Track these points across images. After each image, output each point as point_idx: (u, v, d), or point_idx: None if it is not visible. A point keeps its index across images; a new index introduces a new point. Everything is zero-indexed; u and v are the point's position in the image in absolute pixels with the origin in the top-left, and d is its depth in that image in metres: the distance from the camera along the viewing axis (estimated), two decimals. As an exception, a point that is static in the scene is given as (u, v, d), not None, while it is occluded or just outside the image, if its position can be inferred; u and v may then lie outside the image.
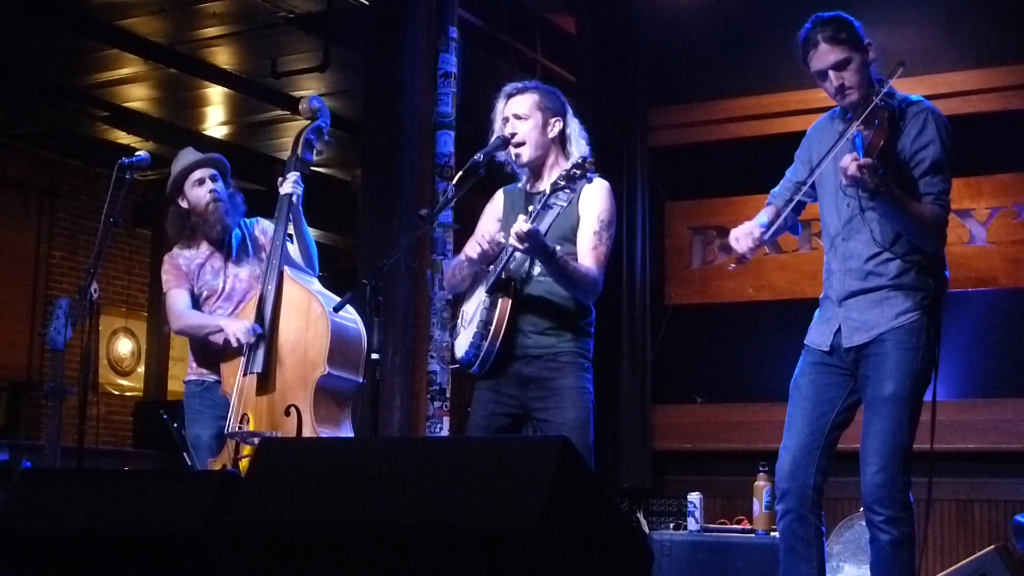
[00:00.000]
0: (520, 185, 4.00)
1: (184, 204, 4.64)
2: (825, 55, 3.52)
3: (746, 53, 7.15)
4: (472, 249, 3.79)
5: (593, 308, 3.87)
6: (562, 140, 3.92)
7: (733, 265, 3.63)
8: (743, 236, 3.59)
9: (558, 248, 3.69)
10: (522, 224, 3.56)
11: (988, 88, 6.66)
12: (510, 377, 3.78)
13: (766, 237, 3.61)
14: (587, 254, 3.77)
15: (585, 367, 3.79)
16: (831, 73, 3.52)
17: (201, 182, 4.61)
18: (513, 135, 3.86)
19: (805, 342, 3.68)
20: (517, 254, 3.70)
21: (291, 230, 4.57)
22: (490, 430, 3.81)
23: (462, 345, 3.83)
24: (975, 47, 6.71)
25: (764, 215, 3.77)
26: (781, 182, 3.86)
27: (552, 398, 3.74)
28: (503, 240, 3.74)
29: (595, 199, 3.81)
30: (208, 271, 4.64)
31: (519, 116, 3.87)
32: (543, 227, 3.73)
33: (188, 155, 4.69)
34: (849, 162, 3.32)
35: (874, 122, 3.43)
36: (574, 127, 3.95)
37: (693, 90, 7.39)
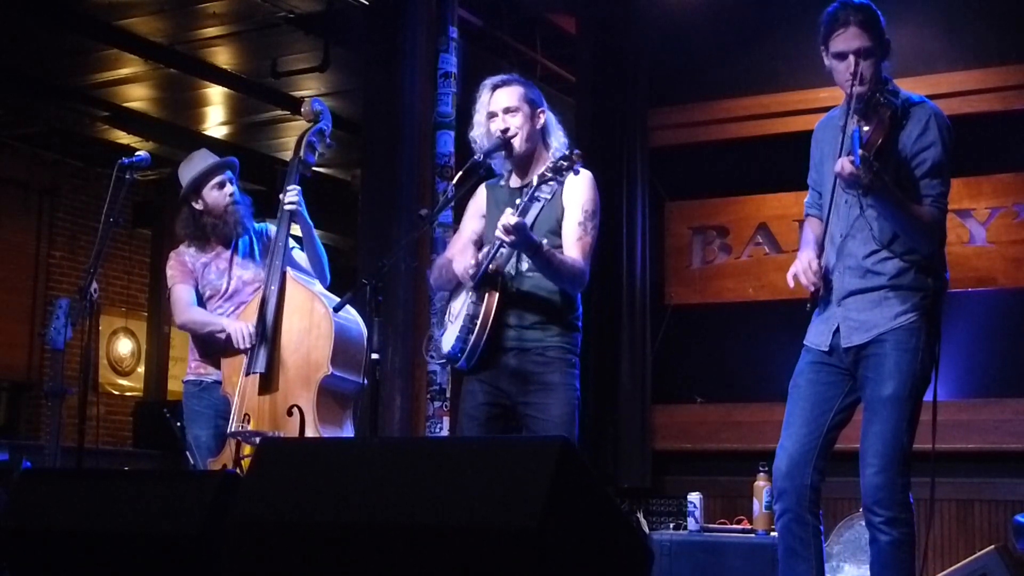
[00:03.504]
0: (503, 181, 4.00)
1: (199, 206, 4.65)
2: (853, 38, 3.49)
3: (746, 53, 7.15)
4: (461, 268, 3.80)
5: (580, 303, 3.88)
6: (543, 132, 3.94)
7: (809, 305, 3.53)
8: (802, 272, 3.51)
9: (544, 241, 3.70)
10: (509, 217, 3.57)
11: (988, 88, 6.65)
12: (498, 369, 3.79)
13: (822, 263, 3.53)
14: (572, 245, 3.77)
15: (572, 363, 3.80)
16: (852, 57, 3.49)
17: (221, 185, 4.63)
18: (506, 130, 3.86)
19: (804, 342, 3.67)
20: (503, 250, 3.70)
21: (299, 233, 4.58)
22: (480, 420, 3.82)
23: (448, 340, 3.83)
24: (975, 47, 6.70)
25: (810, 230, 3.73)
26: (809, 192, 3.83)
27: (538, 393, 3.75)
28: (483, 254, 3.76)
29: (579, 190, 3.81)
30: (213, 271, 4.65)
31: (509, 109, 3.88)
32: (528, 220, 3.73)
33: (205, 157, 4.70)
34: (842, 162, 3.31)
35: (874, 118, 3.42)
36: (552, 118, 3.98)
37: (693, 90, 7.38)
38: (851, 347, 3.52)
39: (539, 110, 3.91)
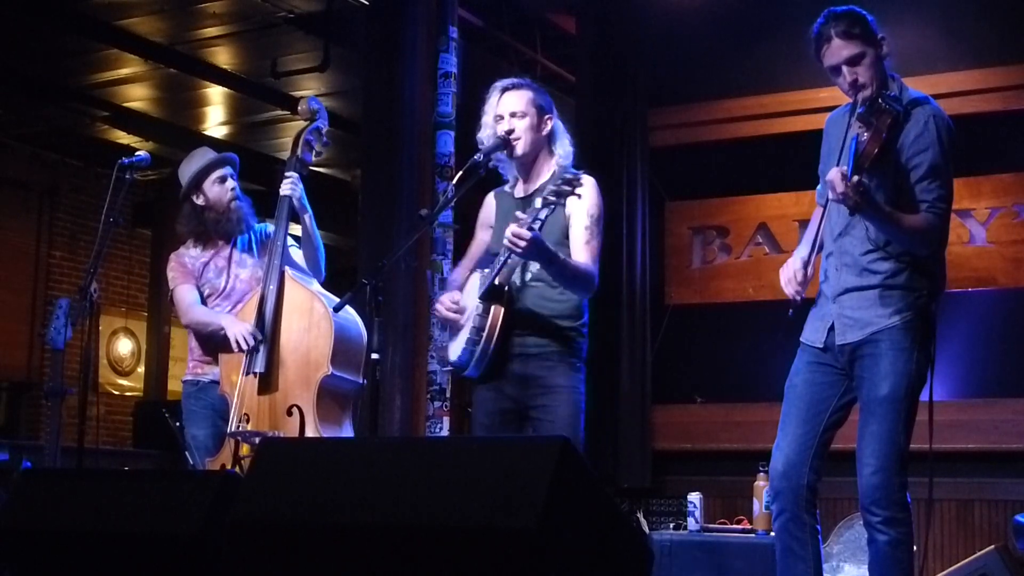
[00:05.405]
0: (508, 188, 4.01)
1: (200, 201, 4.65)
2: (838, 50, 3.49)
3: (746, 53, 7.14)
4: (442, 310, 3.86)
5: (587, 310, 3.90)
6: (549, 139, 3.94)
7: (792, 312, 3.53)
8: (785, 283, 3.55)
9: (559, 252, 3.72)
10: (521, 229, 3.54)
11: (988, 88, 6.65)
12: (507, 376, 3.82)
13: (810, 272, 3.55)
14: (581, 249, 3.80)
15: (577, 367, 3.84)
16: (844, 68, 3.49)
17: (223, 180, 4.64)
18: (510, 132, 3.87)
19: (800, 339, 3.67)
20: (512, 260, 3.71)
21: (298, 232, 4.59)
22: (493, 428, 3.84)
23: (456, 349, 3.86)
24: (975, 47, 6.70)
25: (812, 225, 3.75)
26: (821, 182, 3.82)
27: (544, 396, 3.78)
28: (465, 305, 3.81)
29: (583, 195, 3.80)
30: (211, 270, 4.65)
31: (515, 113, 3.89)
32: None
33: (207, 153, 4.72)
34: (835, 175, 3.30)
35: (873, 124, 3.41)
36: (559, 126, 3.98)
37: (693, 90, 7.38)
38: (846, 345, 3.52)
39: (546, 116, 3.92)
